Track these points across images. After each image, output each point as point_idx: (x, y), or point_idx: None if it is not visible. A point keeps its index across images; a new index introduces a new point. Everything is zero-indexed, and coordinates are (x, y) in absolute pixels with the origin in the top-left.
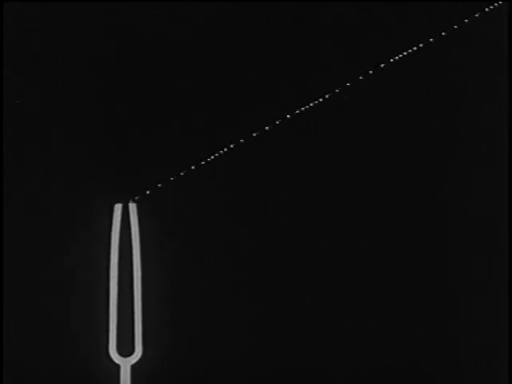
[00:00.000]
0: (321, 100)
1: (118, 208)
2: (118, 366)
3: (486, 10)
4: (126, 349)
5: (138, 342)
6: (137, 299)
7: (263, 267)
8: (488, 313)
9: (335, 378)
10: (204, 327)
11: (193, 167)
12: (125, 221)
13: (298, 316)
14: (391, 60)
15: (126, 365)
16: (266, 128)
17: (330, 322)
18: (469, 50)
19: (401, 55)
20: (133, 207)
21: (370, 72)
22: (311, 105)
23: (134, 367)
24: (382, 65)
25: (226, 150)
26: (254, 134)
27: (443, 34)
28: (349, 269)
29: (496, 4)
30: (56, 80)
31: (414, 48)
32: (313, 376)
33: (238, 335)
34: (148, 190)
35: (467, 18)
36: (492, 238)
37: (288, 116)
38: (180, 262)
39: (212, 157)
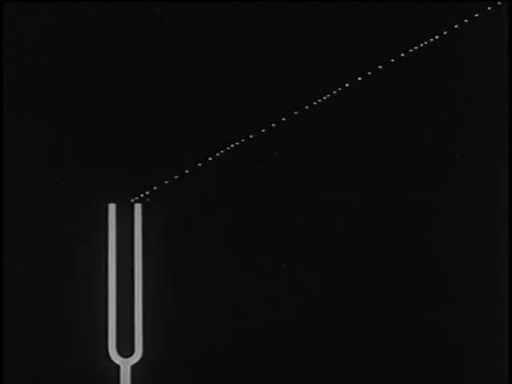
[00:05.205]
0: (324, 99)
1: (112, 208)
2: (118, 367)
3: (486, 10)
4: (126, 349)
5: (138, 343)
6: (137, 300)
7: (265, 269)
8: (488, 313)
9: (335, 378)
10: (204, 328)
11: (191, 168)
12: (125, 221)
13: (300, 320)
14: (391, 60)
15: (126, 365)
16: (264, 129)
17: (332, 325)
18: (469, 49)
19: (401, 55)
20: (137, 207)
21: (370, 72)
22: (314, 104)
23: (133, 368)
24: (382, 65)
25: (225, 150)
26: (251, 136)
27: (443, 33)
28: (348, 271)
29: (496, 4)
30: (55, 79)
31: (414, 48)
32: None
33: (239, 337)
34: (147, 190)
35: (467, 18)
36: (492, 239)
37: (291, 115)
38: (181, 263)
39: (210, 158)
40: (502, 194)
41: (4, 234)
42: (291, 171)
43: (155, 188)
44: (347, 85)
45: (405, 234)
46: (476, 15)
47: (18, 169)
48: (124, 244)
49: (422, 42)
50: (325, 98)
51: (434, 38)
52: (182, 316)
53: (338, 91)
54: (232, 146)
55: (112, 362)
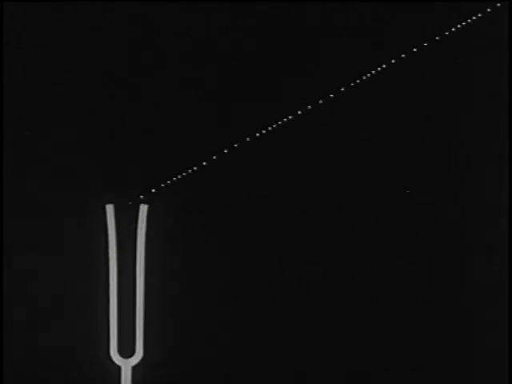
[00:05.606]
0: (324, 100)
1: (110, 208)
2: (118, 367)
3: (486, 10)
4: (127, 350)
5: (138, 344)
6: (138, 301)
7: (267, 271)
8: (488, 313)
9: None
10: (205, 329)
11: (195, 168)
12: (128, 220)
13: (300, 320)
14: (392, 60)
15: (126, 366)
16: (269, 128)
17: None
18: (469, 49)
19: (401, 55)
20: (143, 208)
21: (370, 73)
22: (313, 105)
23: (134, 368)
24: (383, 65)
25: (226, 151)
26: (255, 136)
27: (443, 34)
28: (347, 272)
29: (496, 4)
30: (55, 79)
31: (415, 48)
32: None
33: (240, 338)
34: (149, 190)
35: (467, 18)
36: (492, 238)
37: (292, 116)
38: (182, 263)
39: (211, 159)
40: (503, 194)
41: (4, 234)
42: (292, 169)
43: (156, 188)
44: (349, 84)
45: (404, 233)
46: (476, 15)
47: (17, 169)
48: (126, 244)
49: (422, 43)
50: (324, 97)
51: (434, 39)
52: (184, 316)
53: (338, 90)
54: (231, 146)
55: (113, 362)
